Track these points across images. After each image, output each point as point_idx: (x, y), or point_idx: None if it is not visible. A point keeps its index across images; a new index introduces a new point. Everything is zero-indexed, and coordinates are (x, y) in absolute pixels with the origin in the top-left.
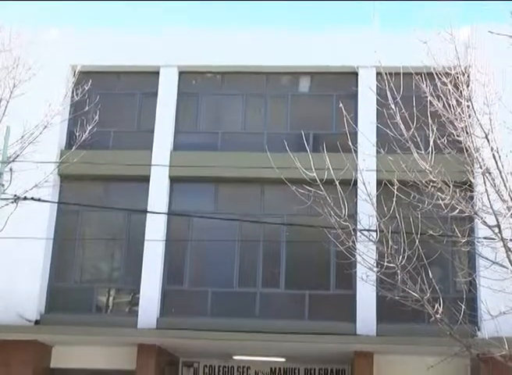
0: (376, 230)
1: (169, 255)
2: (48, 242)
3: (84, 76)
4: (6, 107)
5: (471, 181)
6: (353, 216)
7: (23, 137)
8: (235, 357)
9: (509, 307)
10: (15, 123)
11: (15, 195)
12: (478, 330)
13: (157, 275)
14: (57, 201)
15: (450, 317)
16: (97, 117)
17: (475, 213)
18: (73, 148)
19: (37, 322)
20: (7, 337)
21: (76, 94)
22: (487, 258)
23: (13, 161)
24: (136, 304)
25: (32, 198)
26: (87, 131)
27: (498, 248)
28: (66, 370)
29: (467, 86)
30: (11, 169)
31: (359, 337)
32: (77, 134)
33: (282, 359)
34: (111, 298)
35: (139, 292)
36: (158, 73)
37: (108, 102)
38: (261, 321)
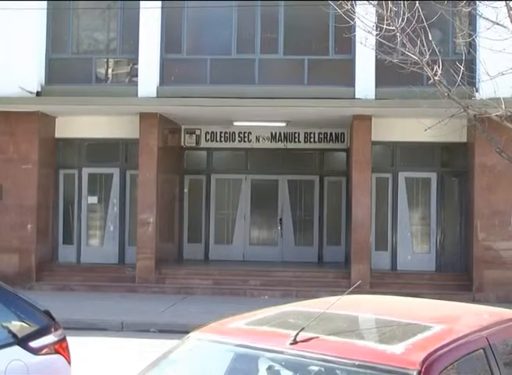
0: None
1: (166, 24)
2: (42, 14)
3: None
4: None
5: None
6: None
7: None
8: (236, 123)
9: (508, 68)
10: None
11: None
12: (476, 91)
13: (154, 44)
14: None
15: (449, 79)
16: None
17: None
18: None
19: (38, 93)
20: (10, 108)
21: None
22: (488, 19)
23: None
24: (136, 74)
25: None
26: None
27: (499, 7)
28: (71, 140)
29: None
30: None
31: (358, 101)
32: None
33: (283, 124)
34: (110, 69)
35: (137, 62)
36: None
37: None
38: (261, 87)
